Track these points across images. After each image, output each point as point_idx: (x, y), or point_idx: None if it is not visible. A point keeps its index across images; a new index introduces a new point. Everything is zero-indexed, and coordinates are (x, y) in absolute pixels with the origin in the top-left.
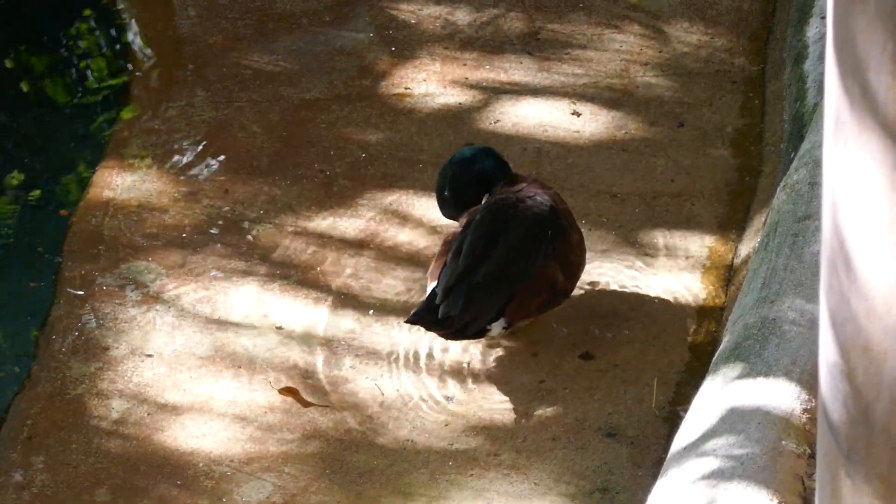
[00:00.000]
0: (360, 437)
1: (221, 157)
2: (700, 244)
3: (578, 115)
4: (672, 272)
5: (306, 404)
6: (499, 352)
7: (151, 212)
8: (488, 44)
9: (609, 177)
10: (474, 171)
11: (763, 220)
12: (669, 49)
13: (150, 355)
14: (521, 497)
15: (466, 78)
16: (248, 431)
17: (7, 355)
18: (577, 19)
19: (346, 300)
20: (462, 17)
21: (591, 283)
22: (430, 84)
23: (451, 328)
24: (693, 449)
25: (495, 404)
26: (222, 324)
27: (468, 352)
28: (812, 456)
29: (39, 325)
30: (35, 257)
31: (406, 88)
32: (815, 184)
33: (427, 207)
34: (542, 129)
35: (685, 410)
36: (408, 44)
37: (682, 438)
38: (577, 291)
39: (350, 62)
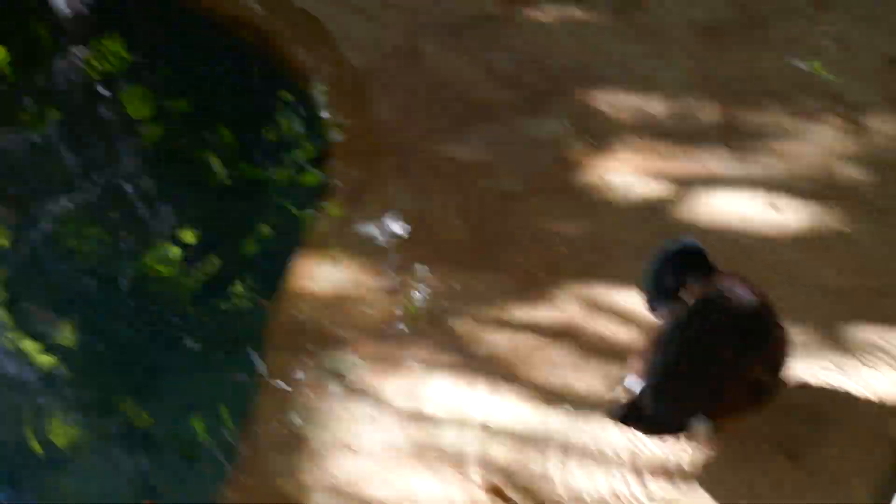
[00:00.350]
0: None
1: (419, 249)
2: None
3: (776, 207)
4: (875, 369)
5: (511, 502)
6: (702, 450)
7: (350, 303)
8: (684, 134)
9: (809, 271)
10: (677, 265)
11: None
12: (869, 141)
13: (351, 449)
14: None
15: (663, 169)
16: None
17: (210, 447)
18: (774, 110)
19: (548, 395)
20: (657, 107)
21: (794, 380)
22: (626, 175)
23: (654, 425)
24: None
25: None
26: (424, 418)
27: (671, 449)
28: None
29: (242, 417)
30: (236, 348)
31: (603, 179)
32: None
33: (626, 300)
34: (740, 222)
35: None
36: (604, 134)
37: None
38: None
39: (547, 153)
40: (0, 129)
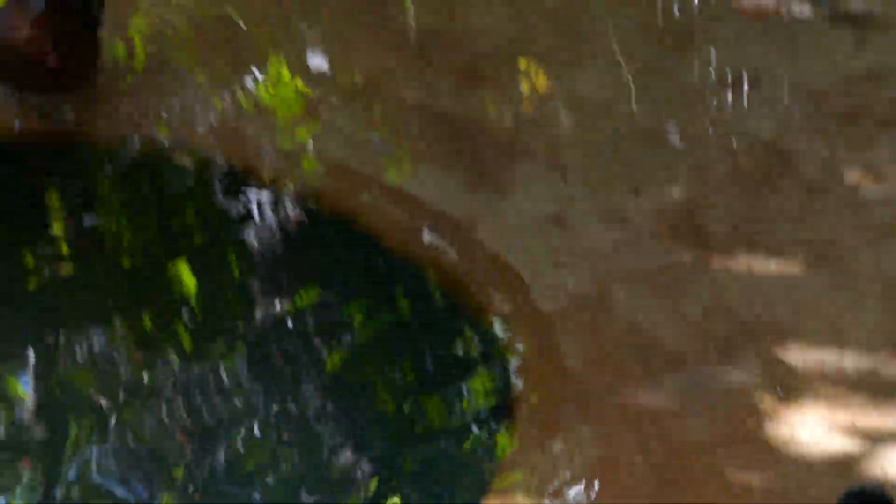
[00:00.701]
0: None
1: (605, 496)
2: None
3: None
4: None
5: None
6: None
7: None
8: (876, 388)
9: None
10: None
11: None
12: None
13: None
14: None
15: (852, 422)
16: None
17: None
18: None
19: None
20: (849, 359)
21: None
22: (815, 428)
23: None
24: None
25: None
26: None
27: None
28: None
29: None
30: None
31: (791, 431)
32: None
33: None
34: None
35: None
36: (793, 385)
37: None
38: None
39: (735, 402)
40: (191, 362)
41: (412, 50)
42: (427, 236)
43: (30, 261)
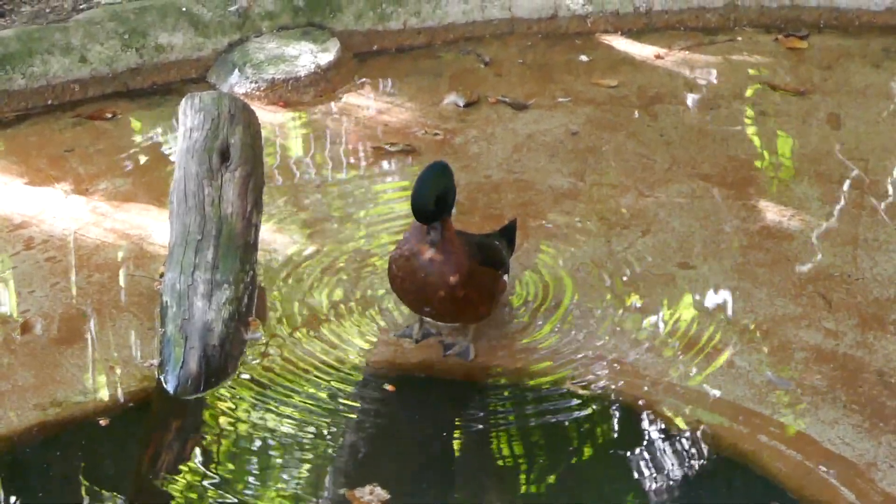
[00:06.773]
0: None
1: None
2: None
3: None
4: None
5: None
6: None
7: None
8: None
9: None
10: None
11: None
12: None
13: None
14: None
15: None
16: None
17: None
18: None
19: None
20: None
21: None
22: None
23: None
24: None
25: None
26: None
27: None
28: None
29: None
30: None
31: None
32: None
33: None
34: None
35: None
36: None
37: None
38: None
39: None
40: None
41: (811, 294)
42: (823, 477)
43: None
